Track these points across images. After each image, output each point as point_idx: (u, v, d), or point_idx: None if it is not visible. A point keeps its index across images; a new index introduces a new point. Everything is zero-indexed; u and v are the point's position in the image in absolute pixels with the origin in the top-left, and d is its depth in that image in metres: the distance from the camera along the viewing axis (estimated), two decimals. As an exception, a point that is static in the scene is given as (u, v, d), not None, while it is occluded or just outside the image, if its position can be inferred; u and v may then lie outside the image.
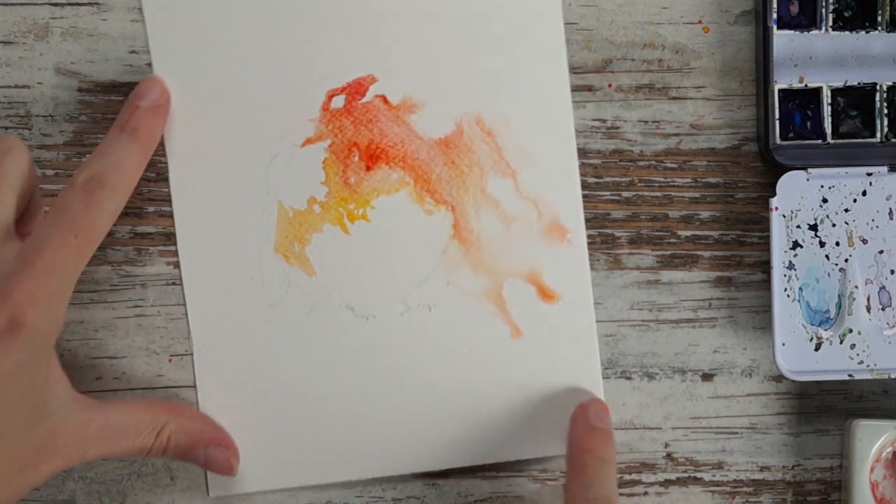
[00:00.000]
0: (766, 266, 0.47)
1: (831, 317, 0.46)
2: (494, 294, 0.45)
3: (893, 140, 0.46)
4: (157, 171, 0.46)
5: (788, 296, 0.45)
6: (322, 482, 0.46)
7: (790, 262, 0.45)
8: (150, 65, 0.46)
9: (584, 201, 0.47)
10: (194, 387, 0.46)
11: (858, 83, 0.46)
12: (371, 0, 0.44)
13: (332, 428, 0.46)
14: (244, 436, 0.45)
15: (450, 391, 0.46)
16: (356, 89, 0.45)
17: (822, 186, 0.45)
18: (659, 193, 0.47)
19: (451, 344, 0.46)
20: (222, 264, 0.45)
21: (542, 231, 0.45)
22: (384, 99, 0.45)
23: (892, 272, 0.46)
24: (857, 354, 0.45)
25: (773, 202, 0.45)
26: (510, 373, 0.46)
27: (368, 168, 0.45)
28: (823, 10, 0.45)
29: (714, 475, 0.48)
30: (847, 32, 0.46)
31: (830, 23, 0.45)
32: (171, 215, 0.47)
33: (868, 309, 0.46)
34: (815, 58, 0.46)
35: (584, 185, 0.47)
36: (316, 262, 0.45)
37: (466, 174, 0.45)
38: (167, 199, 0.47)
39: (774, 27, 0.45)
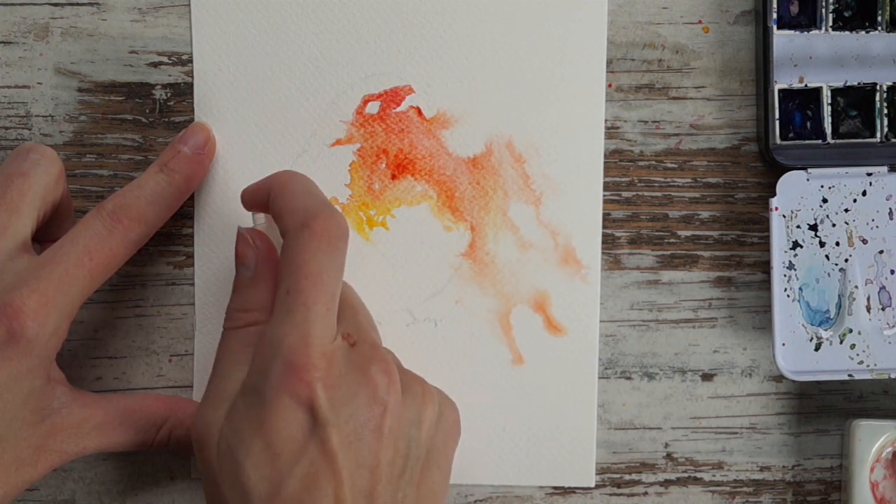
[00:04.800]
0: (766, 266, 0.47)
1: (831, 317, 0.46)
2: (502, 318, 0.46)
3: (893, 140, 0.46)
4: (157, 171, 0.46)
5: (788, 296, 0.45)
6: None
7: (790, 262, 0.45)
8: (154, 65, 0.46)
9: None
10: (193, 383, 0.47)
11: (858, 83, 0.46)
12: (416, 12, 0.45)
13: None
14: None
15: None
16: (392, 97, 0.45)
17: (822, 186, 0.45)
18: (659, 193, 0.47)
19: (452, 361, 0.46)
20: (225, 263, 0.46)
21: (556, 263, 0.45)
22: (418, 111, 0.45)
23: (892, 272, 0.46)
24: (857, 354, 0.45)
25: (773, 202, 0.45)
26: (506, 398, 0.46)
27: (394, 177, 0.45)
28: (823, 10, 0.45)
29: (714, 475, 0.48)
30: (847, 32, 0.46)
31: (830, 23, 0.45)
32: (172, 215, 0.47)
33: (868, 309, 0.46)
34: (815, 58, 0.46)
35: (584, 185, 0.47)
36: None
37: (490, 196, 0.45)
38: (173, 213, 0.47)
39: (774, 27, 0.45)
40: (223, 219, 0.46)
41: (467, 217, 0.45)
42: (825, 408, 0.48)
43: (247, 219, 0.44)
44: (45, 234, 0.42)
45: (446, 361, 0.46)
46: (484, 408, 0.46)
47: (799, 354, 0.45)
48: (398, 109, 0.45)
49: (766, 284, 0.46)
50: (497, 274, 0.45)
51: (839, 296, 0.46)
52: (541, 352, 0.45)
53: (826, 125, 0.46)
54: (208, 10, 0.45)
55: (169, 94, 0.46)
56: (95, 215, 0.41)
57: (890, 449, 0.46)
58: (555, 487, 0.47)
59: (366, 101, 0.45)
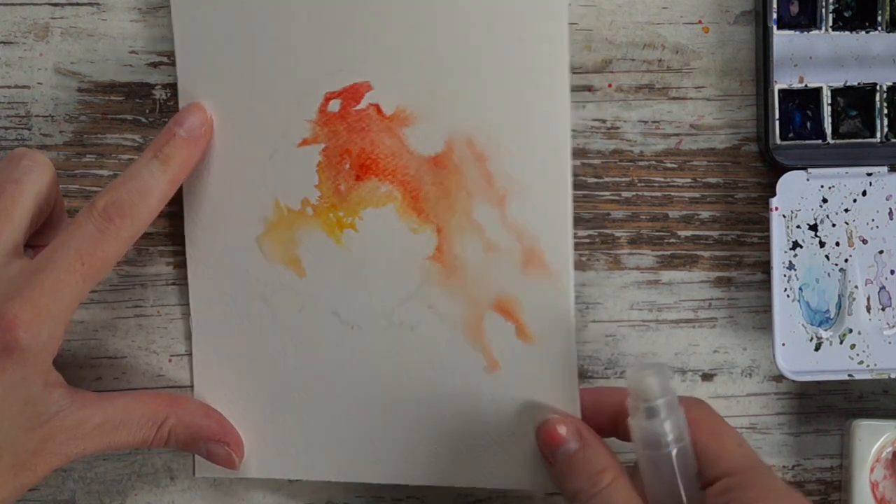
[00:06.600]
0: (766, 266, 0.47)
1: (831, 317, 0.46)
2: (474, 324, 0.43)
3: (893, 140, 0.46)
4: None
5: (788, 296, 0.45)
6: (300, 478, 0.46)
7: (790, 262, 0.46)
8: (154, 65, 0.46)
9: (583, 201, 0.47)
10: (192, 384, 0.47)
11: (858, 83, 0.46)
12: (372, 5, 0.43)
13: (315, 427, 0.45)
14: (235, 423, 0.45)
15: (424, 412, 0.44)
16: (352, 94, 0.43)
17: (822, 186, 0.45)
18: (659, 193, 0.47)
19: (428, 367, 0.44)
20: (222, 253, 0.45)
21: (524, 266, 0.43)
22: (378, 108, 0.43)
23: (892, 272, 0.46)
24: (857, 354, 0.45)
25: (773, 202, 0.45)
26: (483, 404, 0.44)
27: (358, 177, 0.43)
28: (823, 10, 0.45)
29: (714, 475, 0.48)
30: (847, 32, 0.46)
31: (830, 23, 0.45)
32: (171, 215, 0.47)
33: (868, 309, 0.46)
34: (815, 58, 0.46)
35: (584, 185, 0.47)
36: (306, 263, 0.44)
37: (454, 196, 0.43)
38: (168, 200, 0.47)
39: (774, 27, 0.45)
40: (209, 226, 0.45)
41: (433, 219, 0.43)
42: (825, 408, 0.48)
43: (240, 217, 0.44)
44: (39, 239, 0.42)
45: (423, 367, 0.44)
46: (462, 414, 0.44)
47: (799, 354, 0.45)
48: (358, 107, 0.43)
49: (766, 284, 0.46)
50: (465, 278, 0.43)
51: (839, 296, 0.46)
52: (516, 359, 0.43)
53: (826, 125, 0.46)
54: (188, 12, 0.44)
55: (169, 94, 0.46)
56: (87, 216, 0.40)
57: (890, 449, 0.46)
58: (555, 487, 0.47)
59: (327, 99, 0.43)
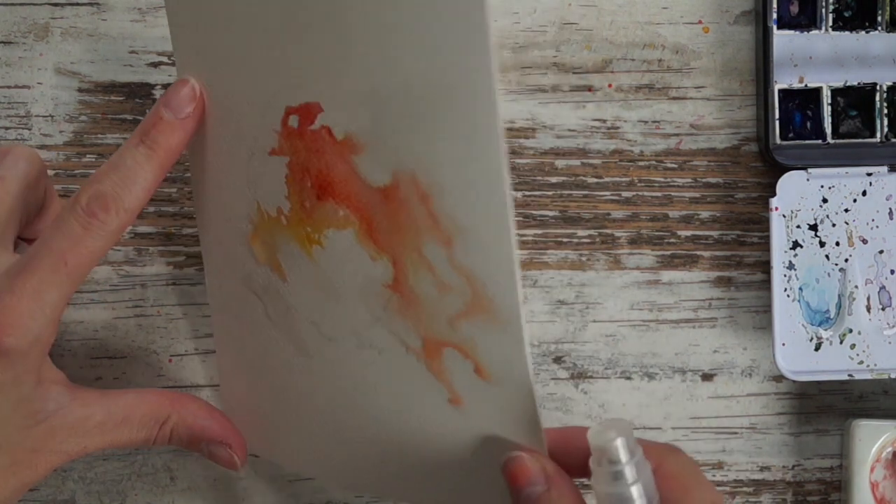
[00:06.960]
0: (766, 266, 0.47)
1: (831, 317, 0.46)
2: (434, 357, 0.41)
3: (893, 140, 0.46)
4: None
5: (788, 296, 0.45)
6: (283, 464, 0.46)
7: (790, 262, 0.46)
8: (154, 65, 0.46)
9: (584, 201, 0.47)
10: (194, 387, 0.47)
11: (858, 83, 0.46)
12: (325, 29, 0.38)
13: (300, 425, 0.45)
14: (250, 414, 0.45)
15: (393, 433, 0.43)
16: (306, 113, 0.40)
17: (822, 186, 0.45)
18: (659, 193, 0.47)
19: (395, 391, 0.42)
20: (224, 247, 0.44)
21: (475, 310, 0.39)
22: (329, 131, 0.40)
23: (892, 272, 0.46)
24: (857, 354, 0.45)
25: (773, 202, 0.45)
26: (449, 434, 0.42)
27: (319, 197, 0.41)
28: (823, 10, 0.45)
29: (714, 475, 0.48)
30: (847, 32, 0.46)
31: (830, 23, 0.45)
32: (171, 215, 0.47)
33: (868, 309, 0.46)
34: (815, 58, 0.46)
35: (584, 185, 0.47)
36: (286, 269, 0.43)
37: (405, 231, 0.39)
38: (167, 199, 0.47)
39: (774, 27, 0.45)
40: (215, 214, 0.44)
41: (388, 250, 0.40)
42: (825, 408, 0.48)
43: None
44: (33, 232, 0.42)
45: (391, 390, 0.42)
46: (428, 441, 0.42)
47: (799, 354, 0.45)
48: (312, 127, 0.40)
49: (766, 284, 0.46)
50: (422, 312, 0.40)
51: (839, 296, 0.46)
52: (477, 395, 0.40)
53: (826, 125, 0.46)
54: (184, 12, 0.43)
55: (169, 94, 0.46)
56: (70, 212, 0.38)
57: (890, 449, 0.46)
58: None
59: (288, 113, 0.40)
